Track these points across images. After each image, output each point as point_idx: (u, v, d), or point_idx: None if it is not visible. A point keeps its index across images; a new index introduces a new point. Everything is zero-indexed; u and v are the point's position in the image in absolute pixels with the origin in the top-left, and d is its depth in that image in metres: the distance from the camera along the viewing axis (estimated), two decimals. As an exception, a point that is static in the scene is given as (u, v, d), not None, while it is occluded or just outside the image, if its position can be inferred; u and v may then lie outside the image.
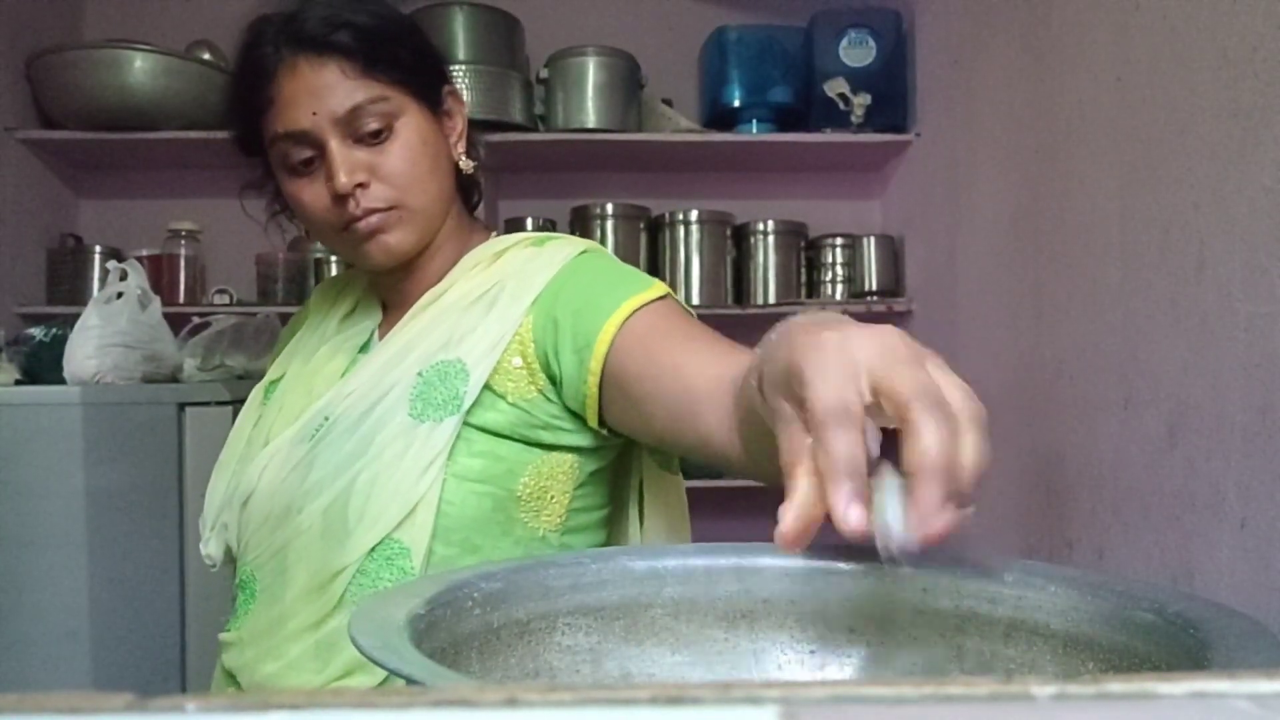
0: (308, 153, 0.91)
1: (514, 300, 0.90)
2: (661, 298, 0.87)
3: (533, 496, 0.89)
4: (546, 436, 0.89)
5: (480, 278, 0.94)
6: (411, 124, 0.93)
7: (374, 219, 0.92)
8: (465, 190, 1.04)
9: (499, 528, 0.88)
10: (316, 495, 0.88)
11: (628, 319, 0.84)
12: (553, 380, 0.88)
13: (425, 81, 0.95)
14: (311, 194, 0.92)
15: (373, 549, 0.85)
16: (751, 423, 0.61)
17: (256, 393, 1.04)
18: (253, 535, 0.93)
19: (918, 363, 0.45)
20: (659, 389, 0.79)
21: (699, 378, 0.76)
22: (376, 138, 0.91)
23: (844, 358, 0.45)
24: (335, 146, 0.90)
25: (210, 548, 0.96)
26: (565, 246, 0.94)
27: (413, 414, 0.87)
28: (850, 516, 0.42)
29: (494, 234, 1.03)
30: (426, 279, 0.98)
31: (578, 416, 0.89)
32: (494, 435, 0.88)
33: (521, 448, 0.89)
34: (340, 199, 0.91)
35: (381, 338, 0.99)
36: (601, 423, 0.87)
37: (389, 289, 1.01)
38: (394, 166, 0.92)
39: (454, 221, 0.99)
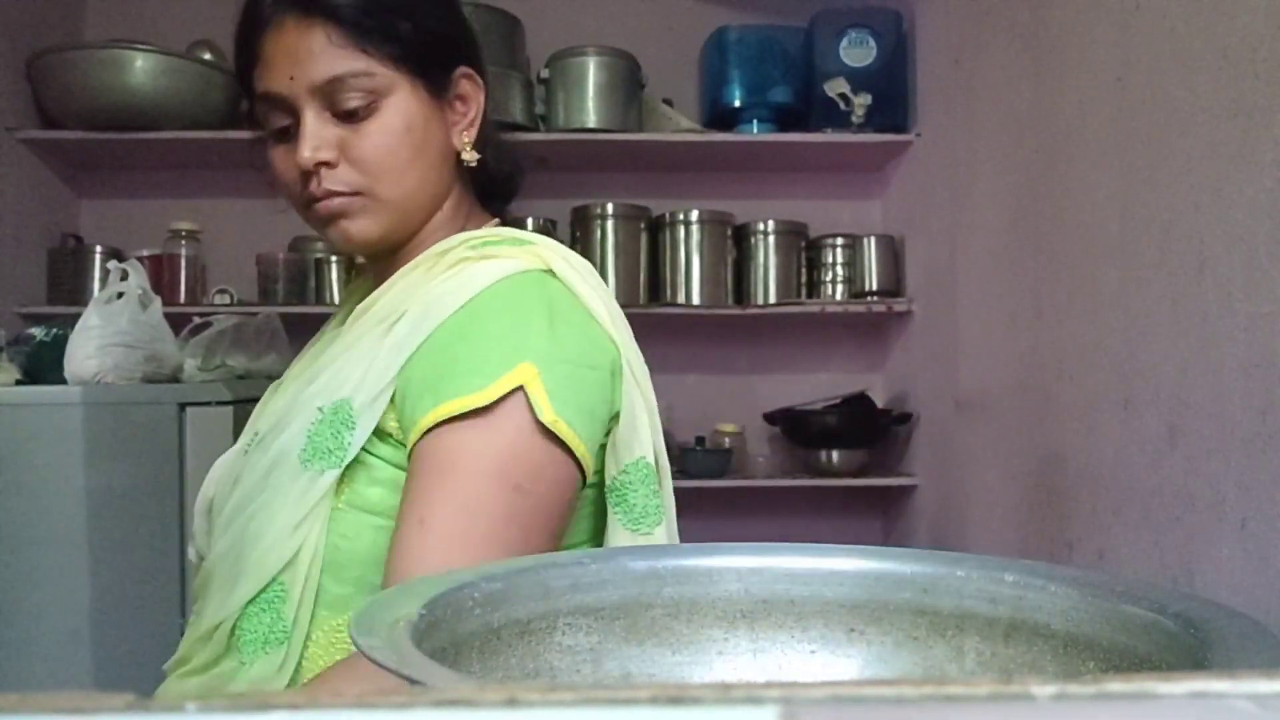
0: (285, 119, 0.85)
1: (411, 335, 0.80)
2: (487, 406, 0.74)
3: None
4: None
5: (407, 283, 0.85)
6: (399, 106, 0.84)
7: (334, 202, 0.85)
8: (484, 183, 0.95)
9: None
10: (230, 525, 0.84)
11: (436, 426, 0.74)
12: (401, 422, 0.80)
13: (428, 60, 0.86)
14: (284, 163, 0.86)
15: (254, 597, 0.79)
16: None
17: (268, 392, 0.98)
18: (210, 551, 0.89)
19: None
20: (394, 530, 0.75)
21: (392, 553, 0.72)
22: (355, 115, 0.83)
23: None
24: (309, 117, 0.83)
25: (191, 552, 0.94)
26: (492, 268, 0.81)
27: (301, 458, 0.80)
28: None
29: (493, 222, 0.95)
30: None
31: None
32: (392, 466, 0.80)
33: None
34: (305, 175, 0.84)
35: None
36: None
37: (379, 277, 0.93)
38: (366, 150, 0.84)
39: (449, 216, 0.91)
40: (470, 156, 0.90)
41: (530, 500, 0.75)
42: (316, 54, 0.82)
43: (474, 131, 0.90)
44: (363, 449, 0.79)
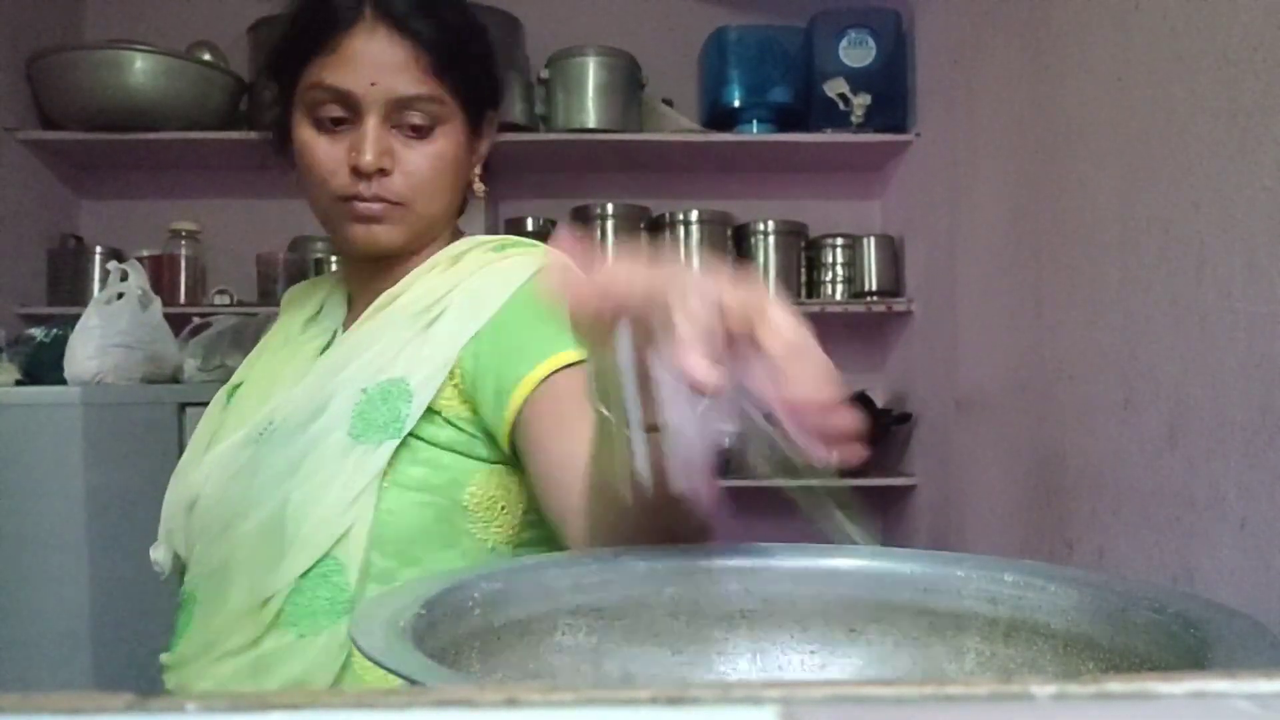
0: (341, 114, 0.89)
1: (463, 320, 0.87)
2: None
3: (481, 507, 0.86)
4: (484, 453, 0.86)
5: (435, 282, 0.91)
6: (451, 134, 0.92)
7: (376, 207, 0.90)
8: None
9: (441, 539, 0.85)
10: (255, 509, 0.86)
11: (549, 377, 0.81)
12: (475, 410, 0.86)
13: (478, 99, 0.94)
14: (328, 153, 0.90)
15: (306, 571, 0.83)
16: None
17: (220, 396, 1.01)
18: (195, 546, 0.90)
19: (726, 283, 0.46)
20: (547, 466, 0.79)
21: (575, 463, 0.73)
22: (415, 133, 0.90)
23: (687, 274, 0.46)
24: (374, 123, 0.88)
25: (158, 553, 0.94)
26: (523, 262, 0.91)
27: (352, 433, 0.84)
28: (698, 369, 0.42)
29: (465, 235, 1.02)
30: (395, 278, 0.95)
31: None
32: (435, 446, 0.85)
33: (464, 459, 0.86)
34: (356, 172, 0.89)
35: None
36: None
37: (360, 282, 0.99)
38: (419, 167, 0.90)
39: (446, 235, 0.98)
40: (479, 189, 0.98)
41: None
42: (402, 70, 0.88)
43: (481, 166, 0.98)
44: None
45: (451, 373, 0.85)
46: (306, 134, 0.91)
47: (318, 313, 1.01)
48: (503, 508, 0.87)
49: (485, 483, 0.86)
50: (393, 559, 0.84)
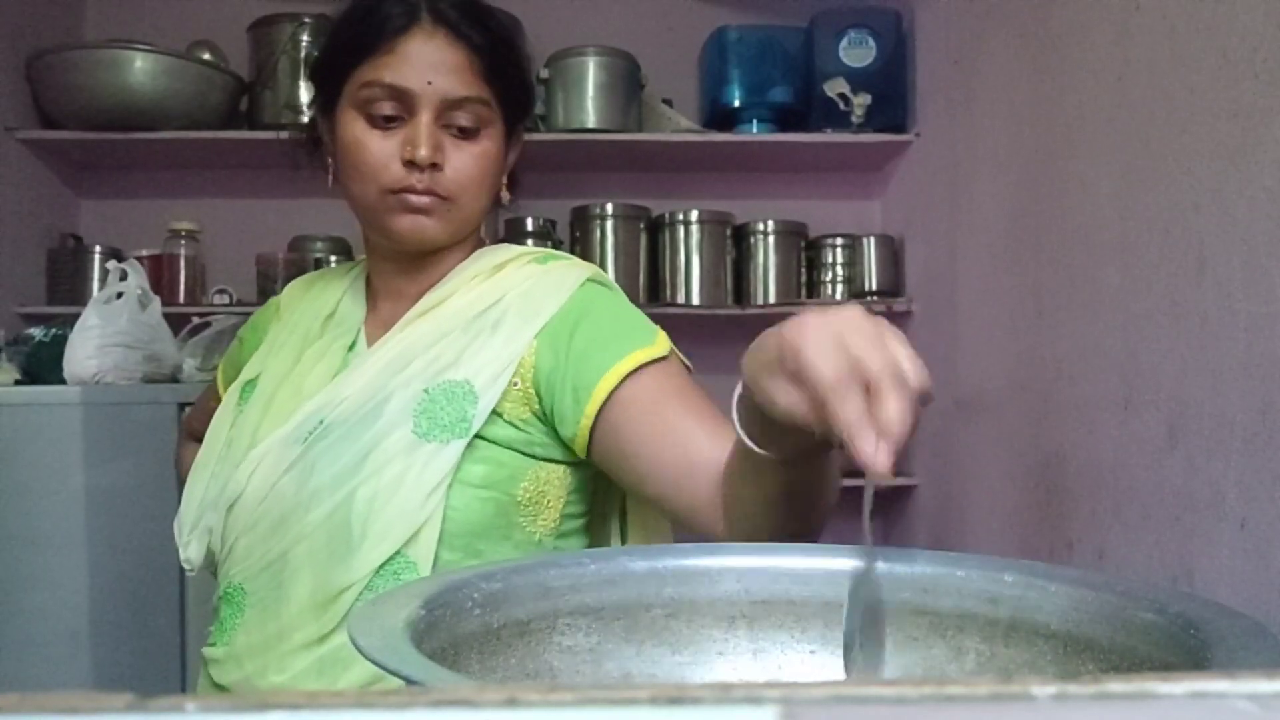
0: (395, 111, 0.93)
1: (521, 324, 0.92)
2: (665, 356, 0.90)
3: (531, 501, 0.91)
4: (539, 450, 0.92)
5: (480, 290, 0.96)
6: (494, 136, 0.96)
7: (427, 199, 0.93)
8: None
9: (499, 532, 0.90)
10: (316, 505, 0.87)
11: (631, 373, 0.87)
12: (547, 409, 0.91)
13: (518, 108, 1.00)
14: (381, 148, 0.93)
15: (380, 566, 0.85)
16: (741, 472, 0.72)
17: (232, 392, 1.02)
18: (239, 541, 0.91)
19: (880, 337, 0.55)
20: (657, 455, 0.84)
21: (697, 452, 0.81)
22: (462, 133, 0.94)
23: (827, 333, 0.55)
24: (427, 120, 0.92)
25: (190, 551, 0.95)
26: (570, 271, 0.96)
27: (417, 431, 0.88)
28: (879, 460, 0.51)
29: (487, 243, 1.05)
30: (426, 279, 0.99)
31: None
32: (496, 444, 0.90)
33: (520, 456, 0.91)
34: (410, 165, 0.92)
35: (369, 335, 0.99)
36: (588, 454, 0.90)
37: (387, 278, 1.01)
38: (466, 165, 0.94)
39: (472, 239, 1.02)
40: (506, 196, 1.02)
41: (710, 400, 0.88)
42: (457, 72, 0.93)
43: (508, 174, 1.02)
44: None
45: (513, 377, 0.90)
46: (358, 129, 0.94)
47: (333, 312, 1.03)
48: (548, 501, 0.92)
49: (536, 478, 0.91)
50: (458, 552, 0.88)
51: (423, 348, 0.92)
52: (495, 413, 0.89)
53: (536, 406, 0.91)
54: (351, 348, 0.99)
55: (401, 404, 0.89)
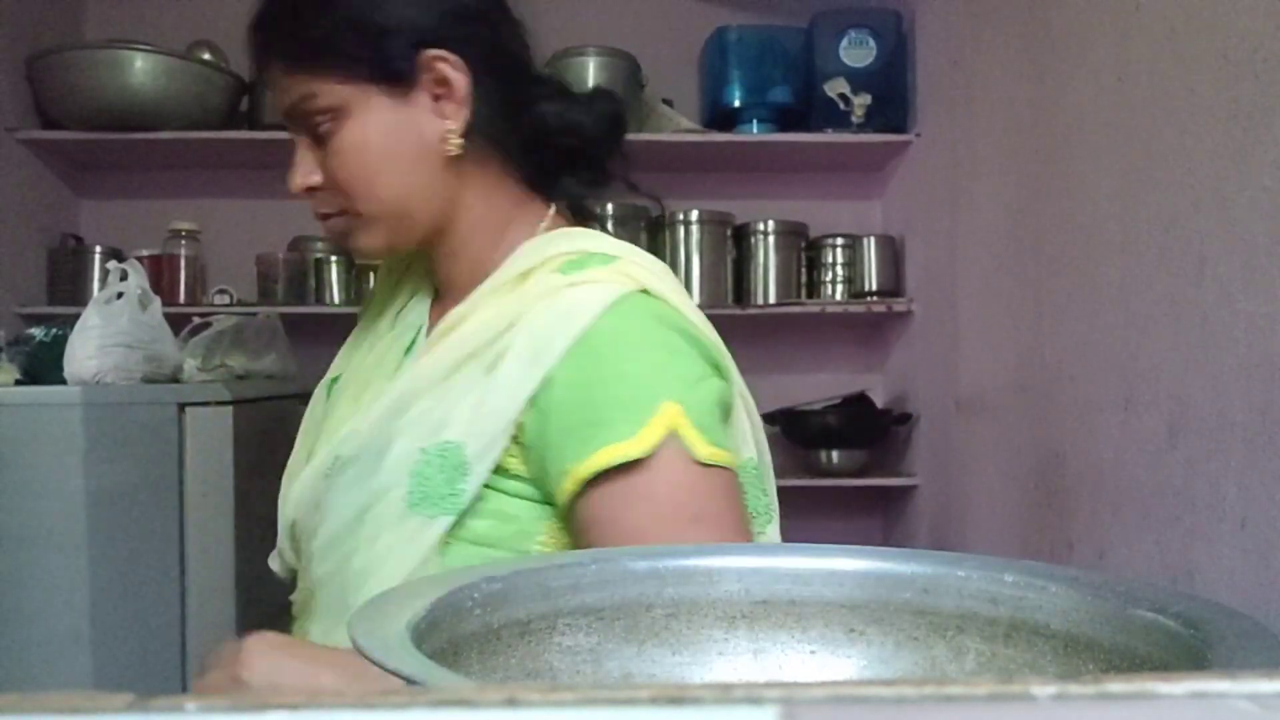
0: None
1: (520, 371, 0.78)
2: (646, 456, 0.74)
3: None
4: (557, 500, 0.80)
5: (499, 307, 0.82)
6: (357, 120, 0.83)
7: (329, 223, 0.87)
8: (532, 154, 0.92)
9: None
10: (322, 561, 0.85)
11: (593, 479, 0.74)
12: (536, 476, 0.80)
13: (375, 62, 0.82)
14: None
15: None
16: None
17: (320, 390, 0.98)
18: (300, 560, 0.91)
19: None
20: None
21: None
22: (325, 137, 0.84)
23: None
24: (299, 147, 0.86)
25: (274, 563, 0.95)
26: (592, 294, 0.79)
27: (411, 499, 0.79)
28: None
29: (550, 211, 0.93)
30: (475, 264, 0.88)
31: None
32: (503, 495, 0.80)
33: (534, 506, 0.80)
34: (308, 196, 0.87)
35: (429, 333, 0.91)
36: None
37: (436, 273, 0.93)
38: (335, 170, 0.84)
39: (484, 211, 0.88)
40: (453, 146, 0.85)
41: (709, 519, 0.76)
42: (277, 83, 0.86)
43: (463, 114, 0.85)
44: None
45: (512, 434, 0.79)
46: None
47: (407, 303, 0.96)
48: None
49: (559, 530, 0.80)
50: None
51: (425, 385, 0.82)
52: (499, 469, 0.79)
53: (531, 469, 0.80)
54: (409, 349, 0.90)
55: (399, 458, 0.80)
